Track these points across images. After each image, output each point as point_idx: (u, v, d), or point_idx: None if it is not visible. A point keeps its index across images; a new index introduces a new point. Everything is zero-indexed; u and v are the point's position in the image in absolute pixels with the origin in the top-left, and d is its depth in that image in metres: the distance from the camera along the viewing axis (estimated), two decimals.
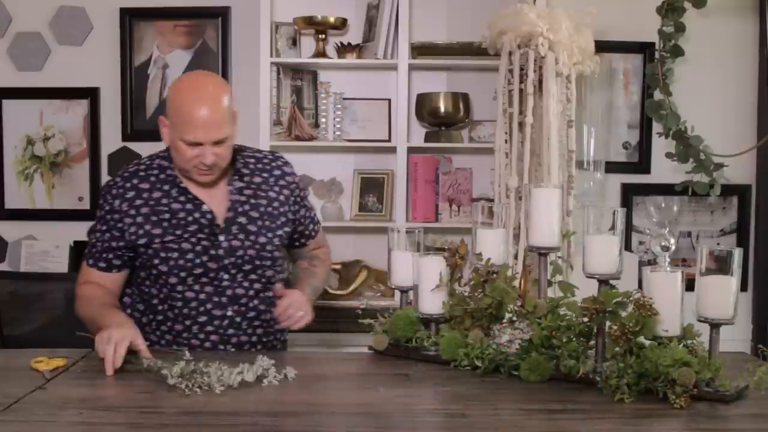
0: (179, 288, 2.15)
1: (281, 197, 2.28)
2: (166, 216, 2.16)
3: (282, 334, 2.31)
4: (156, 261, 2.15)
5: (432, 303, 2.01)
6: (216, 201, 2.19)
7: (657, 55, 3.48)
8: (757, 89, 3.63)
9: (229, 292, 2.17)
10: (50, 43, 3.74)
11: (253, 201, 2.23)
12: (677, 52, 3.44)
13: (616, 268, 1.83)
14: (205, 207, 2.17)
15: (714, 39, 3.60)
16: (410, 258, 2.08)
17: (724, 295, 1.71)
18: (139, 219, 2.16)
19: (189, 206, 2.17)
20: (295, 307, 2.13)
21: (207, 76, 2.23)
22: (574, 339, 1.82)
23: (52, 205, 3.80)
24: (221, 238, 2.16)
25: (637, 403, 1.64)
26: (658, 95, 3.51)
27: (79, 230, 3.74)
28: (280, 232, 2.24)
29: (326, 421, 1.57)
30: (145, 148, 3.74)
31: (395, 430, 1.54)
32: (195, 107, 2.05)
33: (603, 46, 3.34)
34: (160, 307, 2.19)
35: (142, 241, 2.15)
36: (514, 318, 1.90)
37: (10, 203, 3.80)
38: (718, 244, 3.67)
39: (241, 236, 2.18)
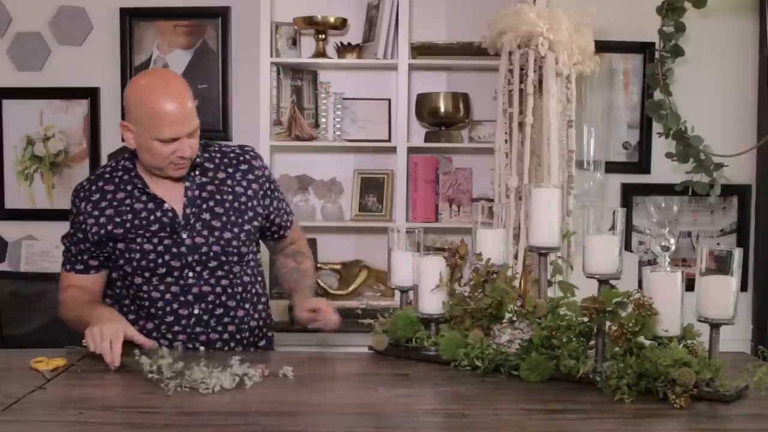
0: (145, 288, 2.16)
1: (249, 192, 2.25)
2: (129, 216, 2.17)
3: (261, 330, 2.31)
4: (121, 261, 2.16)
5: (432, 303, 2.01)
6: (177, 199, 2.19)
7: (657, 55, 3.48)
8: (757, 89, 3.63)
9: (195, 290, 2.16)
10: (50, 43, 3.74)
11: (217, 197, 2.21)
12: (677, 52, 3.44)
13: (616, 268, 1.83)
14: (166, 205, 2.18)
15: (714, 39, 3.60)
16: (410, 258, 2.08)
17: (724, 295, 1.71)
18: (102, 219, 2.17)
19: (150, 205, 2.18)
20: (328, 311, 2.19)
21: (165, 73, 2.28)
22: (574, 339, 1.82)
23: (52, 205, 3.80)
24: (184, 235, 2.16)
25: (637, 403, 1.64)
26: (658, 95, 3.51)
27: None
28: (247, 227, 2.22)
29: (326, 421, 1.57)
30: None
31: (395, 430, 1.54)
32: (167, 104, 2.06)
33: (603, 46, 3.34)
34: (132, 307, 2.20)
35: (105, 240, 2.17)
36: (514, 318, 1.90)
37: (10, 203, 3.80)
38: (718, 244, 3.67)
39: (205, 232, 2.17)
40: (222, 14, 3.72)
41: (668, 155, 3.48)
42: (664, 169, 3.61)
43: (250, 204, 2.25)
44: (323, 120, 3.63)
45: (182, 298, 2.16)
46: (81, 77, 3.75)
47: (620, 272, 1.84)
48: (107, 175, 2.24)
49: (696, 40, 3.51)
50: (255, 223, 2.25)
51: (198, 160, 2.22)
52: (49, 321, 3.09)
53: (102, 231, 2.17)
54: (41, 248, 3.75)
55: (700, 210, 3.69)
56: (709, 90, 3.63)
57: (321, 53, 3.55)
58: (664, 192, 3.61)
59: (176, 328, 2.16)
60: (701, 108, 3.57)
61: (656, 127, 3.58)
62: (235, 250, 2.19)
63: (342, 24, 3.57)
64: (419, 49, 3.51)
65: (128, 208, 2.18)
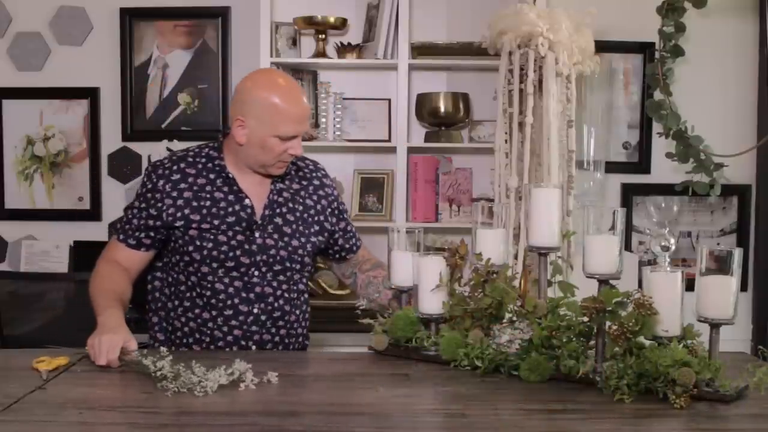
0: (209, 278, 2.17)
1: (318, 206, 2.31)
2: (207, 204, 2.18)
3: (304, 337, 2.34)
4: (191, 248, 2.16)
5: (432, 303, 2.01)
6: (258, 198, 2.22)
7: (657, 55, 3.48)
8: (757, 89, 3.63)
9: (257, 289, 2.19)
10: (50, 43, 3.74)
11: (290, 204, 2.26)
12: (677, 52, 3.44)
13: (616, 268, 1.83)
14: (247, 201, 2.20)
15: (714, 39, 3.60)
16: (410, 258, 2.08)
17: (724, 295, 1.71)
18: (180, 202, 2.18)
19: (231, 197, 2.20)
20: None
21: (284, 73, 2.34)
22: (573, 339, 1.82)
23: (52, 205, 3.80)
24: (256, 234, 2.19)
25: (637, 403, 1.64)
26: (658, 95, 3.51)
27: (79, 230, 3.75)
28: (313, 239, 2.28)
29: (326, 421, 1.57)
30: (145, 148, 3.75)
31: (395, 430, 1.54)
32: (293, 102, 2.14)
33: (603, 46, 3.34)
34: (188, 294, 2.20)
35: (179, 224, 2.16)
36: (514, 318, 1.90)
37: (10, 203, 3.80)
38: (718, 244, 3.67)
39: (276, 236, 2.21)
40: (222, 14, 3.72)
41: (668, 155, 3.48)
42: (664, 169, 3.61)
43: (317, 218, 2.30)
44: (323, 120, 3.63)
45: (244, 295, 2.17)
46: (81, 77, 3.75)
47: (620, 272, 1.84)
48: (190, 159, 2.24)
49: (696, 40, 3.51)
50: (321, 237, 2.31)
51: None
52: (49, 321, 3.09)
53: (178, 213, 2.17)
54: (41, 248, 3.75)
55: (700, 210, 3.69)
56: (709, 90, 3.63)
57: (321, 53, 3.55)
58: (664, 192, 3.61)
59: (233, 322, 2.17)
60: (701, 108, 3.57)
61: (656, 127, 3.58)
62: (299, 258, 2.24)
63: (342, 24, 3.57)
64: (419, 49, 3.51)
65: (208, 195, 2.19)
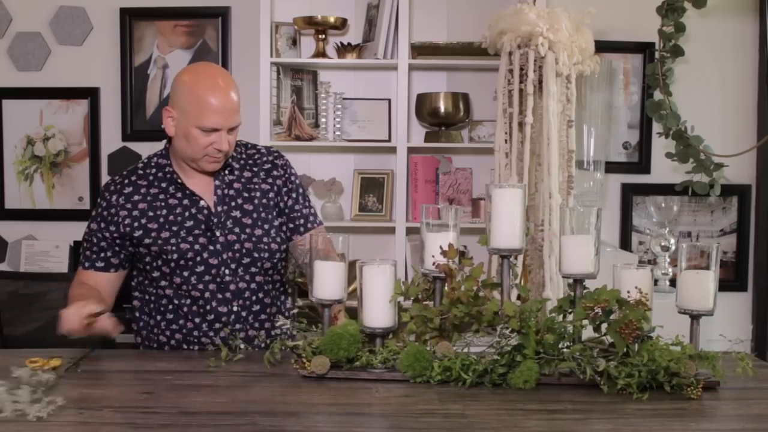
0: (184, 287, 2.16)
1: (275, 188, 2.28)
2: (164, 212, 2.18)
3: (289, 329, 2.29)
4: (159, 262, 2.16)
5: (380, 316, 1.83)
6: (208, 196, 2.21)
7: (657, 55, 3.48)
8: (757, 89, 3.63)
9: (232, 287, 2.17)
10: (50, 43, 3.74)
11: (245, 194, 2.23)
12: (677, 52, 3.44)
13: (592, 268, 1.83)
14: (202, 203, 2.19)
15: (714, 39, 3.60)
16: (338, 268, 1.88)
17: (704, 288, 1.78)
18: (135, 213, 2.18)
19: (186, 201, 2.19)
20: None
21: (216, 67, 2.28)
22: (567, 343, 1.80)
23: (52, 205, 3.80)
24: (218, 233, 2.17)
25: (636, 403, 1.64)
26: (658, 95, 3.51)
27: (79, 230, 3.73)
28: (276, 223, 2.25)
29: (326, 421, 1.57)
30: (145, 148, 3.75)
31: (395, 430, 1.54)
32: (214, 94, 2.09)
33: (603, 46, 3.34)
34: (169, 307, 2.19)
35: (137, 234, 2.16)
36: (497, 325, 1.79)
37: (10, 203, 3.80)
38: (718, 244, 3.67)
39: (237, 230, 2.19)
40: (222, 14, 3.72)
41: (668, 155, 3.49)
42: (664, 169, 3.61)
43: (275, 200, 2.27)
44: (323, 120, 3.63)
45: (220, 296, 2.16)
46: (81, 77, 3.75)
47: (597, 272, 1.83)
48: (140, 171, 2.24)
49: (696, 40, 3.52)
50: (282, 219, 2.27)
51: (227, 161, 2.23)
52: (49, 321, 3.09)
53: (135, 223, 2.16)
54: (41, 248, 3.75)
55: (700, 210, 3.69)
56: (709, 90, 3.63)
57: (321, 53, 3.55)
58: (664, 192, 3.61)
59: (217, 325, 2.17)
60: (701, 108, 3.57)
61: (656, 127, 3.58)
62: (265, 246, 2.21)
63: (342, 24, 3.57)
64: (419, 49, 3.51)
65: (163, 204, 2.18)
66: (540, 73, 2.93)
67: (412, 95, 3.58)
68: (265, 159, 2.32)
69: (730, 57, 3.64)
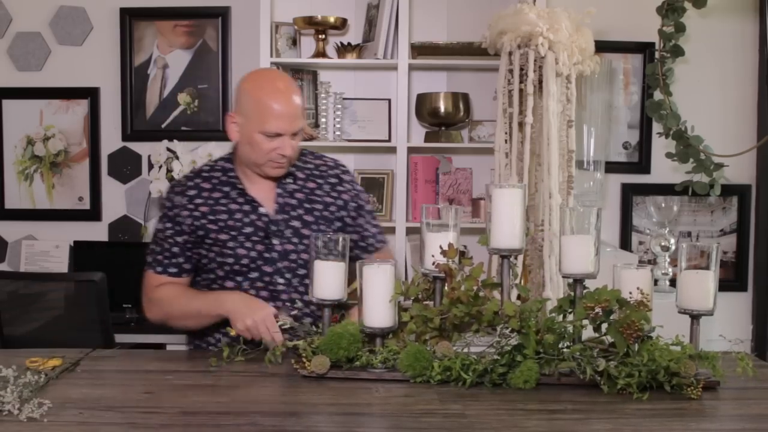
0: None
1: (339, 202, 2.25)
2: (224, 216, 2.17)
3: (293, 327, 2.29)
4: (213, 265, 2.16)
5: (380, 315, 1.83)
6: (269, 204, 2.19)
7: (657, 55, 3.48)
8: (757, 89, 3.64)
9: (284, 296, 2.16)
10: (50, 43, 3.74)
11: (306, 205, 2.21)
12: (677, 52, 3.44)
13: (592, 267, 1.83)
14: (262, 209, 2.17)
15: (714, 39, 3.60)
16: (339, 268, 1.88)
17: (704, 287, 1.78)
18: (197, 214, 2.17)
19: (246, 207, 2.18)
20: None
21: (277, 72, 2.30)
22: (568, 342, 1.80)
23: (52, 205, 3.81)
24: (275, 241, 2.16)
25: (636, 403, 1.64)
26: (658, 95, 3.51)
27: (80, 230, 3.75)
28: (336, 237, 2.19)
29: (326, 421, 1.57)
30: (145, 148, 3.75)
31: (395, 430, 1.54)
32: (277, 98, 2.09)
33: (603, 46, 3.34)
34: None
35: (199, 233, 2.16)
36: (497, 325, 1.79)
37: (10, 203, 3.80)
38: (718, 244, 3.67)
39: (295, 240, 2.17)
40: (222, 14, 3.72)
41: (668, 155, 3.49)
42: (664, 169, 3.61)
43: (339, 214, 2.24)
44: (323, 120, 3.63)
45: (271, 304, 2.11)
46: (81, 77, 3.75)
47: (597, 272, 1.83)
48: (205, 174, 2.24)
49: (696, 40, 3.52)
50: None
51: (290, 169, 2.21)
52: (49, 321, 3.09)
53: (197, 223, 2.16)
54: (41, 248, 3.75)
55: (700, 210, 3.69)
56: (709, 90, 3.63)
57: (321, 53, 3.55)
58: (664, 192, 3.61)
59: None
60: (701, 108, 3.57)
61: (656, 127, 3.58)
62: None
63: (342, 24, 3.57)
64: (419, 49, 3.51)
65: (224, 208, 2.18)
66: (540, 73, 2.93)
67: (412, 95, 3.58)
68: (331, 172, 2.29)
69: (730, 57, 3.64)
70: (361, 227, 2.30)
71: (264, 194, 2.20)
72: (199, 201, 2.19)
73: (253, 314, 1.97)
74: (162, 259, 2.21)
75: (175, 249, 2.19)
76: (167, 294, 2.19)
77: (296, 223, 2.19)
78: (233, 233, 2.15)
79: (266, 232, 2.16)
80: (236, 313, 2.01)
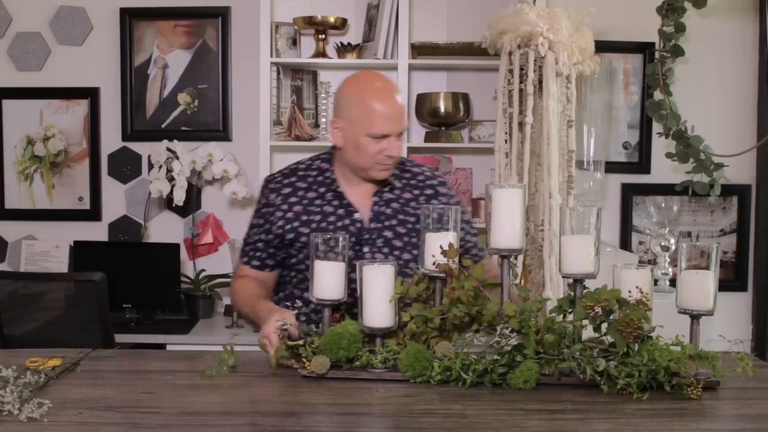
0: None
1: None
2: (317, 218, 2.15)
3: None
4: (302, 266, 2.15)
5: (380, 316, 1.82)
6: (366, 210, 2.16)
7: (657, 55, 3.48)
8: (757, 89, 3.63)
9: None
10: (50, 43, 3.74)
11: (400, 216, 2.18)
12: (677, 52, 3.44)
13: (592, 267, 1.83)
14: (357, 215, 2.15)
15: (714, 39, 3.60)
16: (338, 268, 1.87)
17: (704, 288, 1.78)
18: (290, 215, 2.16)
19: (341, 211, 2.16)
20: None
21: (376, 73, 2.25)
22: (568, 343, 1.80)
23: (52, 205, 3.81)
24: (365, 249, 2.13)
25: (636, 403, 1.64)
26: (658, 95, 3.51)
27: (79, 230, 3.75)
28: None
29: (326, 421, 1.57)
30: (145, 148, 3.75)
31: (395, 430, 1.54)
32: (381, 100, 2.08)
33: (603, 46, 3.35)
34: (303, 309, 2.09)
35: (289, 236, 2.14)
36: (498, 325, 1.77)
37: (10, 203, 3.80)
38: (718, 244, 3.67)
39: (385, 250, 2.14)
40: (222, 14, 3.72)
41: (668, 155, 3.49)
42: (664, 169, 3.61)
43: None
44: (323, 120, 3.63)
45: (355, 310, 1.99)
46: (81, 77, 3.75)
47: (597, 272, 1.83)
48: (301, 172, 2.22)
49: (696, 40, 3.52)
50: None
51: (388, 178, 2.18)
52: (49, 321, 3.09)
53: (288, 226, 2.15)
54: (41, 248, 3.75)
55: (700, 210, 3.69)
56: (709, 90, 3.63)
57: (321, 53, 3.56)
58: (664, 192, 3.61)
59: None
60: (701, 108, 3.57)
61: (656, 127, 3.58)
62: (410, 272, 2.02)
63: (342, 24, 3.57)
64: (419, 49, 3.51)
65: (318, 209, 2.16)
66: (540, 73, 2.93)
67: (412, 95, 3.58)
68: (428, 183, 2.25)
69: (730, 57, 3.64)
70: (462, 239, 2.18)
71: (360, 200, 2.17)
72: (293, 200, 2.17)
73: (261, 330, 1.93)
74: (248, 251, 2.23)
75: (260, 245, 2.20)
76: (238, 288, 2.21)
77: (388, 234, 2.15)
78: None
79: (358, 239, 2.13)
80: (263, 326, 1.95)
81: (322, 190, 2.18)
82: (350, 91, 2.13)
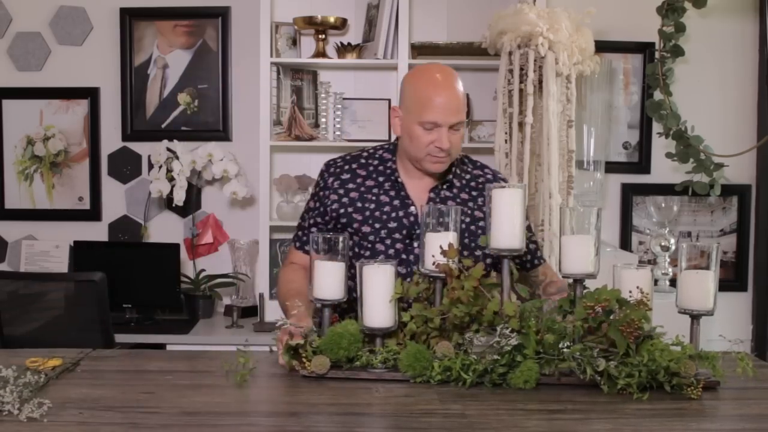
0: None
1: None
2: (372, 206, 2.15)
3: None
4: (350, 254, 2.11)
5: (380, 316, 1.82)
6: (422, 205, 2.11)
7: (657, 55, 3.48)
8: (757, 89, 3.64)
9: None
10: (50, 43, 3.74)
11: None
12: (677, 52, 3.45)
13: (593, 267, 1.83)
14: (412, 208, 2.14)
15: (714, 39, 3.60)
16: (338, 268, 1.87)
17: (704, 288, 1.78)
18: (345, 200, 2.16)
19: (397, 202, 2.15)
20: None
21: (440, 66, 2.23)
22: (568, 342, 1.80)
23: (52, 205, 3.81)
24: (415, 243, 2.11)
25: (636, 403, 1.64)
26: (658, 95, 3.52)
27: (79, 230, 3.75)
28: (477, 253, 2.11)
29: (326, 421, 1.57)
30: (145, 148, 3.75)
31: (395, 430, 1.54)
32: (434, 89, 2.07)
33: (603, 46, 3.35)
34: (352, 296, 2.05)
35: (342, 221, 2.14)
36: (497, 325, 1.77)
37: (10, 203, 3.80)
38: (718, 244, 3.67)
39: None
40: (222, 14, 3.72)
41: (668, 155, 3.49)
42: (664, 169, 3.61)
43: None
44: (323, 120, 3.63)
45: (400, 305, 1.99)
46: (81, 77, 3.75)
47: (597, 272, 1.83)
48: (362, 160, 2.22)
49: (696, 40, 3.52)
50: (487, 251, 2.02)
51: (449, 176, 2.18)
52: (49, 321, 3.09)
53: (342, 210, 2.15)
54: (41, 248, 3.75)
55: (700, 210, 3.69)
56: (709, 90, 3.63)
57: (321, 53, 3.56)
58: (664, 192, 3.62)
59: None
60: (701, 108, 3.58)
61: (656, 127, 3.58)
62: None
63: (342, 24, 3.57)
64: (419, 49, 3.51)
65: (374, 198, 2.15)
66: (540, 73, 2.93)
67: None
68: (488, 185, 2.21)
69: (730, 57, 3.64)
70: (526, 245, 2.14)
71: (418, 194, 2.16)
72: (351, 186, 2.17)
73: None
74: (301, 235, 2.23)
75: (314, 229, 2.19)
76: (283, 277, 2.20)
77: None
78: (377, 226, 2.12)
79: (410, 232, 2.12)
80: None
81: (381, 179, 2.18)
82: (409, 80, 2.15)
